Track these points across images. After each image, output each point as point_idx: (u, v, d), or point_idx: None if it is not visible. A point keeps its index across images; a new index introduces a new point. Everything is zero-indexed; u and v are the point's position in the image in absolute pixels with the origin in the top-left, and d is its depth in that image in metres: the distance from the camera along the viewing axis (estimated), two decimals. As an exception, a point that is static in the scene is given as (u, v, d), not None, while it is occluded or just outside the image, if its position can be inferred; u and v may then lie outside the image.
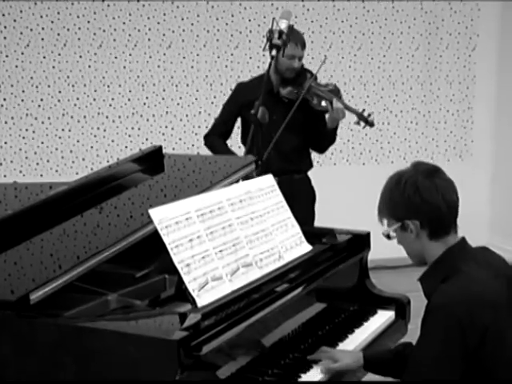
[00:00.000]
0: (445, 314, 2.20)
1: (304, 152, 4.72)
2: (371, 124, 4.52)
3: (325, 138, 4.65)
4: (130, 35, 5.92)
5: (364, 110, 4.53)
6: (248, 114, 4.37)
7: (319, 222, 4.67)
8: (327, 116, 4.52)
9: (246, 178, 3.27)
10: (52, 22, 5.71)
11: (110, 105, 5.95)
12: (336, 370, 2.61)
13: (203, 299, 2.39)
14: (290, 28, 4.07)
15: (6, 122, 5.72)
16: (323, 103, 4.48)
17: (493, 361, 2.23)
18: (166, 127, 6.11)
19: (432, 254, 2.37)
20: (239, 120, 4.71)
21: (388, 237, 2.42)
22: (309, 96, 4.48)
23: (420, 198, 2.31)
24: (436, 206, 2.31)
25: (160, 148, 3.48)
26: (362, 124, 4.52)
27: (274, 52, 4.13)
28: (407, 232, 2.37)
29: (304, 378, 2.55)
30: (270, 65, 4.23)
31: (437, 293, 2.27)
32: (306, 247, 2.98)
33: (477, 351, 2.20)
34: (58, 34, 5.74)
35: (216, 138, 4.66)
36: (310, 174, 4.76)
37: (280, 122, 4.40)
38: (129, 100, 5.99)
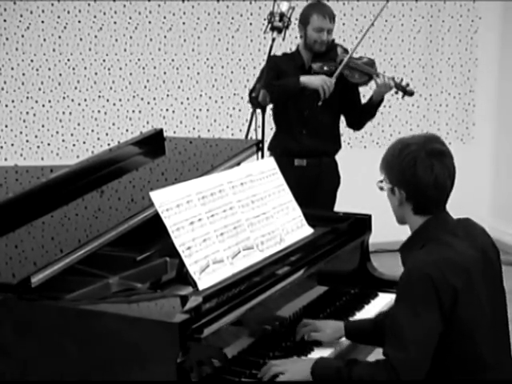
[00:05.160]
0: (418, 275, 2.25)
1: (335, 131, 4.63)
2: (410, 93, 4.45)
3: (367, 112, 4.58)
4: (130, 18, 5.89)
5: (402, 80, 4.48)
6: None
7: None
8: (373, 90, 4.46)
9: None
10: (52, 4, 5.68)
11: (111, 88, 5.93)
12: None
13: (204, 282, 2.39)
14: (292, 10, 4.06)
15: (6, 106, 5.70)
16: (364, 77, 4.42)
17: (469, 325, 2.28)
18: (167, 110, 6.09)
19: (413, 225, 2.44)
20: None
21: (381, 188, 2.48)
22: (347, 71, 4.40)
23: (413, 173, 2.36)
24: (425, 185, 2.35)
25: (161, 131, 3.48)
26: (401, 94, 4.46)
27: (274, 34, 4.12)
28: (394, 196, 2.43)
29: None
30: (270, 48, 4.20)
31: (410, 259, 2.34)
32: (307, 230, 2.98)
33: (452, 313, 2.25)
34: (59, 17, 5.71)
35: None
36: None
37: (312, 98, 4.35)
38: (129, 83, 5.97)
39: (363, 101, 4.64)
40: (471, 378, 2.32)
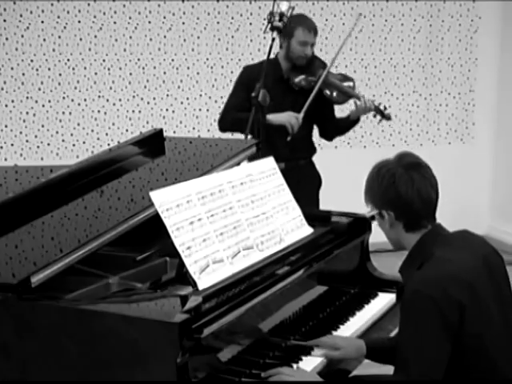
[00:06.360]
0: (420, 298, 2.22)
1: (310, 139, 4.72)
2: (388, 117, 4.55)
3: (341, 128, 4.69)
4: (130, 18, 5.89)
5: (380, 104, 4.55)
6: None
7: (322, 205, 4.67)
8: (351, 110, 4.55)
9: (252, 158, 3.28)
10: (52, 4, 5.68)
11: (111, 88, 5.93)
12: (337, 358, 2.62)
13: (204, 282, 2.39)
14: (291, 10, 4.06)
15: (6, 106, 5.70)
16: (343, 97, 4.52)
17: (479, 338, 2.26)
18: (167, 110, 6.09)
19: (408, 244, 2.43)
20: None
21: (372, 218, 2.50)
22: (327, 88, 4.48)
23: (395, 191, 2.35)
24: (409, 200, 2.35)
25: (161, 131, 3.47)
26: (379, 117, 4.52)
27: (274, 34, 4.12)
28: (384, 220, 2.43)
29: (305, 360, 2.55)
30: (270, 48, 4.20)
31: (411, 280, 2.31)
32: (306, 230, 2.98)
33: (460, 329, 2.22)
34: (58, 17, 5.71)
35: (234, 112, 4.46)
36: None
37: (288, 110, 4.39)
38: (129, 83, 5.97)
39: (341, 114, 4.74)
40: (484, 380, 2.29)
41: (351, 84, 4.57)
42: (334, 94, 4.51)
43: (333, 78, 4.53)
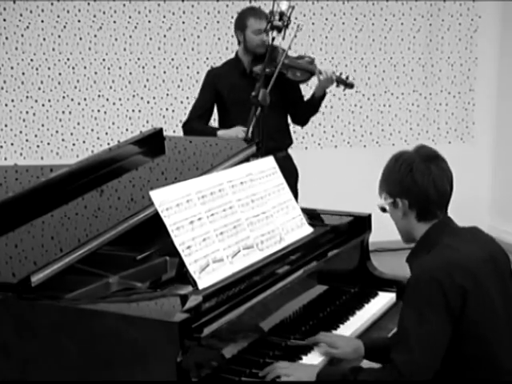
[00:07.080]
0: (426, 280, 2.26)
1: (286, 129, 4.77)
2: (351, 85, 4.59)
3: (310, 109, 4.71)
4: (130, 17, 5.89)
5: (341, 74, 4.60)
6: (223, 100, 4.51)
7: (322, 205, 4.65)
8: (315, 86, 4.60)
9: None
10: (52, 4, 5.68)
11: (111, 87, 5.93)
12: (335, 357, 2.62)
13: (204, 281, 2.39)
14: (291, 9, 4.06)
15: (6, 105, 5.70)
16: (305, 75, 4.58)
17: (480, 328, 2.28)
18: (167, 109, 6.09)
19: (418, 233, 2.45)
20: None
21: (383, 210, 2.50)
22: (288, 70, 4.53)
23: (411, 180, 2.39)
24: (425, 190, 2.38)
25: (160, 130, 3.47)
26: (342, 87, 4.58)
27: (274, 34, 4.12)
28: (397, 209, 2.45)
29: (305, 359, 2.55)
30: (269, 46, 4.22)
31: (417, 264, 2.35)
32: (306, 229, 2.98)
33: (462, 313, 2.25)
34: (58, 16, 5.71)
35: (197, 121, 4.64)
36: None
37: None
38: (129, 82, 5.97)
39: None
40: (484, 380, 2.30)
41: (310, 61, 4.63)
42: (297, 73, 4.57)
43: (292, 59, 4.59)
